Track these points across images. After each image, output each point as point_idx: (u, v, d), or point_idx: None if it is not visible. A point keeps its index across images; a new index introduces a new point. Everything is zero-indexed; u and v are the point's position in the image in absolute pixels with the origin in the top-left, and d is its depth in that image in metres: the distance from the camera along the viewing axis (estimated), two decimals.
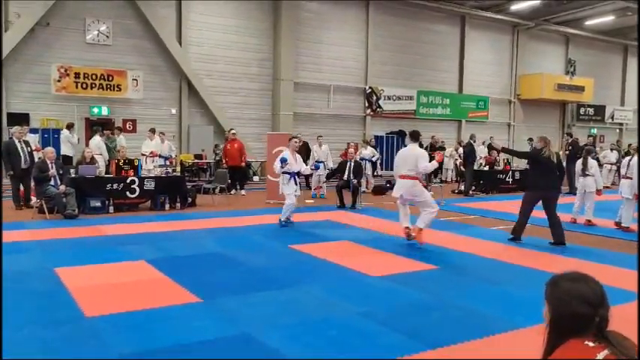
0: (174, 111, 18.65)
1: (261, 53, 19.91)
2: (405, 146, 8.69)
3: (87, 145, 14.31)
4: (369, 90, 22.20)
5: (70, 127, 14.67)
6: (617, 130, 31.42)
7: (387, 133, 22.81)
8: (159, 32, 17.70)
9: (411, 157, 7.72)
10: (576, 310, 1.79)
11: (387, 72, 22.70)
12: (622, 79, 31.42)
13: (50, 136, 15.33)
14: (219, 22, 18.98)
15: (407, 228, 7.90)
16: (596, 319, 1.77)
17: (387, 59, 22.66)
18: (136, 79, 17.44)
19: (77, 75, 16.55)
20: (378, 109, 22.52)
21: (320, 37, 20.96)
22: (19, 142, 11.20)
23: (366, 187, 15.21)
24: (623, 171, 10.03)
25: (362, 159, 14.72)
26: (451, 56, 24.60)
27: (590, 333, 1.77)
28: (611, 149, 20.38)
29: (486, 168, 17.23)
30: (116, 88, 17.16)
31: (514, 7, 23.58)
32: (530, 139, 16.89)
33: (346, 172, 12.44)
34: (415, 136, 8.04)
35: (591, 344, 1.74)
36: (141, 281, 5.81)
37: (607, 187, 10.34)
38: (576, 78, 27.54)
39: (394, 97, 22.85)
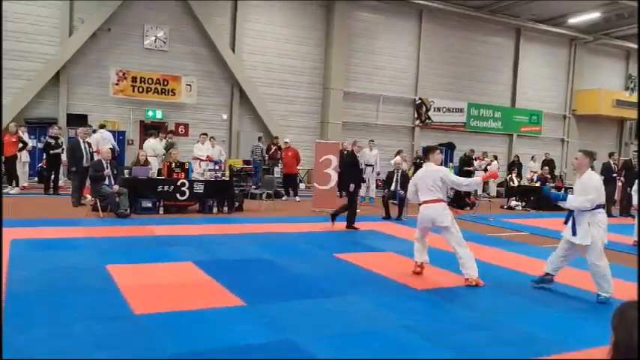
0: (225, 116, 19.01)
1: (313, 62, 20.07)
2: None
3: (140, 147, 14.74)
4: (419, 101, 22.01)
5: (102, 127, 15.09)
6: None
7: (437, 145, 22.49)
8: (213, 39, 18.12)
9: (429, 178, 6.45)
10: (638, 340, 1.67)
11: (438, 83, 22.45)
12: None
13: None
14: (273, 31, 19.26)
15: (421, 265, 6.79)
16: None
17: (438, 70, 22.41)
18: (189, 85, 17.89)
19: (134, 79, 17.12)
20: (427, 121, 22.28)
21: (371, 47, 20.96)
22: (83, 142, 11.80)
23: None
24: None
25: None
26: (504, 69, 24.11)
27: None
28: None
29: (538, 184, 16.75)
30: (170, 93, 17.64)
31: (572, 21, 22.91)
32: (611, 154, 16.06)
33: (393, 183, 12.34)
34: (428, 154, 6.79)
35: None
36: (187, 282, 5.92)
37: None
38: (636, 95, 26.47)
39: (444, 109, 22.57)
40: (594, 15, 21.89)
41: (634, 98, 26.26)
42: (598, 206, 5.74)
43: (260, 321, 4.71)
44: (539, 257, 8.33)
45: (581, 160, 5.92)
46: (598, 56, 26.42)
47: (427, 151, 6.88)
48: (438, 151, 6.77)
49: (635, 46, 26.01)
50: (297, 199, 14.68)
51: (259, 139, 17.97)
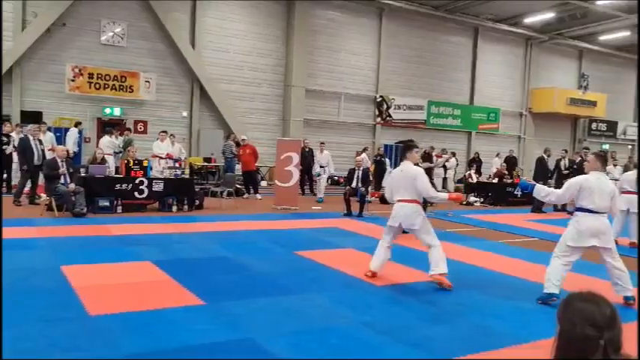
0: (185, 114, 18.77)
1: (274, 59, 20.02)
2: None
3: (97, 145, 14.44)
4: (380, 98, 22.22)
5: (77, 125, 14.85)
6: (629, 147, 31.19)
7: (396, 142, 22.78)
8: (173, 35, 17.86)
9: (404, 179, 6.24)
10: (582, 332, 1.74)
11: (399, 81, 22.72)
12: (636, 95, 31.23)
13: (62, 135, 15.45)
14: (233, 27, 19.12)
15: (373, 273, 6.42)
16: (601, 343, 1.72)
17: (399, 68, 22.68)
18: (148, 81, 17.59)
19: (91, 75, 16.72)
20: (388, 118, 22.52)
21: (332, 45, 21.04)
22: (34, 139, 11.42)
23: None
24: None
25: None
26: (463, 67, 24.58)
27: (596, 357, 1.72)
28: (614, 165, 20.22)
29: (495, 180, 17.16)
30: (129, 89, 17.31)
31: (528, 21, 23.55)
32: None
33: (354, 180, 12.44)
34: (405, 152, 6.47)
35: None
36: (145, 282, 5.83)
37: None
38: (589, 93, 27.41)
39: (404, 107, 22.85)
40: (549, 15, 22.56)
41: (587, 96, 27.18)
42: (578, 209, 5.68)
43: (219, 320, 4.68)
44: (496, 252, 8.56)
45: (592, 163, 5.85)
46: (552, 55, 27.21)
47: (404, 150, 6.53)
48: (416, 149, 6.55)
49: (588, 45, 26.93)
50: (259, 196, 14.62)
51: (228, 136, 17.87)
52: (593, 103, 27.44)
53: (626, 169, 10.27)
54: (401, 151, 6.57)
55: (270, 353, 3.99)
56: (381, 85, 22.23)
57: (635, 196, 9.52)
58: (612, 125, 30.07)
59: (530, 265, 7.66)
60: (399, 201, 6.27)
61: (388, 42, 22.15)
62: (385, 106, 22.38)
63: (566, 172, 15.15)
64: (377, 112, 22.33)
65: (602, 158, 5.95)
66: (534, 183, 6.13)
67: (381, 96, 22.22)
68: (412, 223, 6.19)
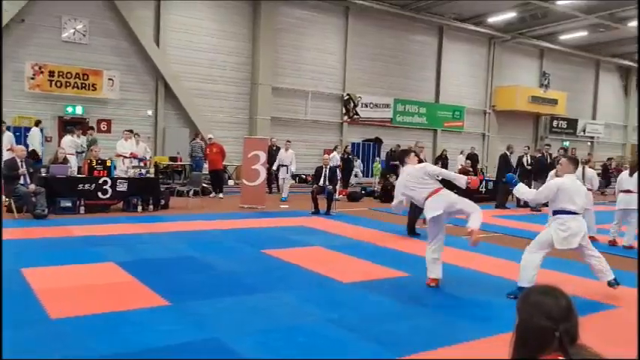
0: (150, 112, 18.49)
1: (240, 57, 19.89)
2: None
3: (59, 144, 14.11)
4: (347, 97, 22.32)
5: (37, 124, 14.47)
6: (589, 144, 32.13)
7: (363, 140, 22.96)
8: (136, 33, 17.57)
9: (414, 177, 6.18)
10: (538, 323, 1.79)
11: (365, 79, 22.86)
12: (594, 93, 32.20)
13: (22, 134, 15.06)
14: (198, 25, 18.91)
15: (435, 280, 6.19)
16: (556, 334, 1.76)
17: (365, 67, 22.83)
18: (111, 79, 17.26)
19: (52, 73, 16.30)
20: (355, 116, 22.64)
21: (299, 43, 21.03)
22: None
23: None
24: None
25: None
26: (428, 66, 24.90)
27: (552, 348, 1.76)
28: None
29: None
30: (91, 88, 16.95)
31: (491, 20, 24.01)
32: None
33: (321, 179, 12.46)
34: (404, 158, 6.52)
35: None
36: (109, 283, 5.73)
37: None
38: (550, 91, 28.12)
39: (371, 105, 23.01)
40: (511, 15, 23.05)
41: (548, 95, 27.88)
42: (558, 211, 5.79)
43: (185, 320, 4.64)
44: (460, 248, 8.68)
45: (565, 166, 6.01)
46: (515, 55, 27.81)
47: (403, 156, 6.55)
48: (413, 153, 6.58)
49: (549, 45, 27.61)
50: (221, 195, 14.46)
51: (196, 135, 17.68)
52: (554, 101, 28.17)
53: (585, 164, 10.55)
54: (399, 158, 6.48)
55: (237, 353, 3.98)
56: (348, 84, 22.33)
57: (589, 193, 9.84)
58: (572, 123, 30.91)
59: (493, 259, 7.83)
60: (427, 199, 6.10)
61: (354, 40, 22.26)
62: (352, 105, 22.49)
63: (528, 167, 15.52)
64: (344, 111, 22.42)
65: (574, 161, 6.18)
66: (517, 180, 6.21)
67: (348, 94, 22.32)
68: (455, 202, 6.15)
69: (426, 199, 6.08)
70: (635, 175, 9.49)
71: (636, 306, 5.06)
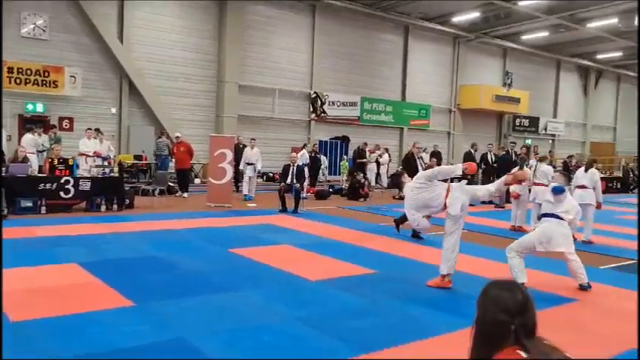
0: (114, 110, 18.13)
1: (206, 54, 19.69)
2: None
3: (19, 143, 13.72)
4: (314, 95, 22.35)
5: None
6: (550, 141, 32.96)
7: (330, 138, 23.03)
8: (99, 29, 17.20)
9: (421, 187, 6.21)
10: (494, 317, 1.81)
11: (332, 78, 22.92)
12: (555, 92, 33.04)
13: None
14: (163, 21, 18.63)
15: (448, 276, 6.17)
16: (512, 328, 1.78)
17: (333, 65, 22.89)
18: (74, 76, 16.85)
19: (10, 70, 15.82)
20: (323, 115, 22.69)
21: (266, 41, 20.94)
22: None
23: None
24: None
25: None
26: (395, 65, 25.12)
27: (509, 342, 1.78)
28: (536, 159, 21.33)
29: None
30: (52, 85, 16.51)
31: (455, 20, 24.36)
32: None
33: (289, 177, 12.46)
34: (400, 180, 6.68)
35: (524, 354, 1.74)
36: (72, 285, 5.62)
37: None
38: (513, 90, 28.72)
39: (338, 103, 23.09)
40: (475, 15, 23.42)
41: (511, 93, 28.47)
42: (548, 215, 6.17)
43: (149, 320, 4.59)
44: (426, 244, 8.83)
45: (558, 179, 6.73)
46: (479, 54, 28.31)
47: (398, 182, 6.72)
48: (404, 174, 6.83)
49: (512, 44, 28.19)
50: (185, 195, 14.25)
51: (162, 133, 17.42)
52: (517, 100, 28.77)
53: (541, 160, 10.86)
54: (396, 184, 6.57)
55: (203, 353, 3.96)
56: (315, 82, 22.35)
57: (541, 188, 10.13)
58: (534, 121, 31.65)
59: (459, 255, 7.95)
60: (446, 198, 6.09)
61: (322, 39, 22.29)
62: (319, 103, 22.53)
63: (494, 165, 15.88)
64: (311, 109, 22.44)
65: (567, 175, 7.10)
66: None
67: (315, 92, 22.35)
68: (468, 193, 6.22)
69: (446, 198, 6.04)
70: (591, 170, 9.87)
71: (637, 307, 5.17)
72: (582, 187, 9.73)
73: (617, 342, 4.54)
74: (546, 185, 10.12)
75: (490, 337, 1.83)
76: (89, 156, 13.32)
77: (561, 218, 6.06)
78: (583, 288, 6.11)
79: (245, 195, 14.46)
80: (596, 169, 10.74)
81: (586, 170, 9.90)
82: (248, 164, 14.52)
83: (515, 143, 18.18)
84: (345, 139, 23.19)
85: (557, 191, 6.16)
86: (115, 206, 11.17)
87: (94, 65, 17.52)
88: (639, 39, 22.15)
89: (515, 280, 5.79)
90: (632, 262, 7.99)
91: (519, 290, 1.89)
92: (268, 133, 21.03)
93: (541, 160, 10.80)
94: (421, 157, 16.15)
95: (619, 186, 22.08)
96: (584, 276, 6.11)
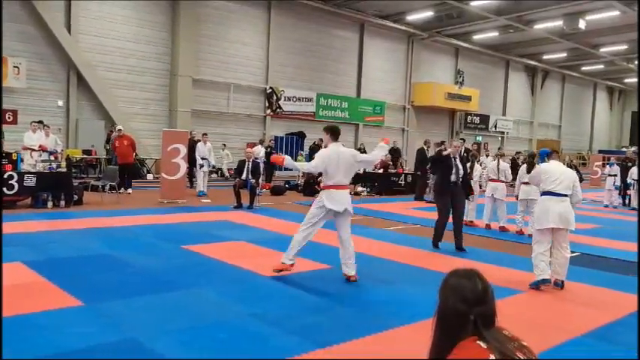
0: (60, 103, 17.50)
1: (159, 47, 19.25)
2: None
3: None
4: (270, 90, 22.20)
5: None
6: (499, 138, 33.90)
7: (286, 134, 22.94)
8: (45, 18, 16.54)
9: (345, 158, 6.11)
10: (454, 306, 1.80)
11: (288, 73, 22.84)
12: (504, 91, 33.99)
13: None
14: (113, 12, 18.10)
15: (291, 265, 6.19)
16: (470, 317, 1.78)
17: (288, 60, 22.79)
18: (17, 67, 16.16)
19: None
20: (279, 110, 22.58)
21: (221, 35, 20.65)
22: None
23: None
24: (493, 175, 10.71)
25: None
26: (350, 61, 25.25)
27: (468, 331, 1.77)
28: (487, 155, 21.83)
29: (381, 170, 17.83)
30: None
31: (410, 18, 24.70)
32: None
33: (244, 172, 12.32)
34: (336, 134, 6.28)
35: (483, 345, 1.73)
36: (15, 285, 5.36)
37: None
38: (464, 88, 29.37)
39: (294, 99, 23.03)
40: (428, 14, 23.81)
41: (463, 91, 29.10)
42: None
43: (100, 321, 4.43)
44: (381, 239, 8.90)
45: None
46: (432, 52, 28.80)
47: (332, 133, 6.25)
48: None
49: (463, 44, 28.79)
50: (130, 191, 13.74)
51: (115, 128, 16.87)
52: (468, 98, 29.46)
53: (501, 157, 11.14)
54: (332, 133, 6.25)
55: (156, 352, 3.85)
56: (270, 77, 22.21)
57: (498, 184, 10.40)
58: (485, 119, 32.49)
59: (412, 250, 8.07)
60: (340, 187, 6.12)
61: (277, 34, 22.16)
62: (275, 98, 22.41)
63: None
64: (267, 104, 22.29)
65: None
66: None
67: (271, 87, 22.21)
68: (351, 207, 6.18)
69: (339, 187, 6.13)
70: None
71: (637, 307, 5.27)
72: (527, 183, 10.01)
73: (564, 331, 4.69)
74: (503, 181, 10.43)
75: (450, 327, 1.82)
76: (34, 150, 12.77)
77: (563, 195, 6.03)
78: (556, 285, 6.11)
79: (200, 191, 14.24)
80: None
81: (528, 171, 10.13)
82: (203, 159, 14.33)
83: (464, 140, 18.51)
84: (302, 135, 23.16)
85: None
86: (63, 202, 10.75)
87: (39, 56, 16.86)
88: (639, 39, 22.76)
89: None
90: (576, 254, 8.29)
91: (479, 279, 1.87)
92: (223, 128, 20.77)
93: (500, 156, 11.03)
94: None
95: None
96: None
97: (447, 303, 1.84)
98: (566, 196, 6.03)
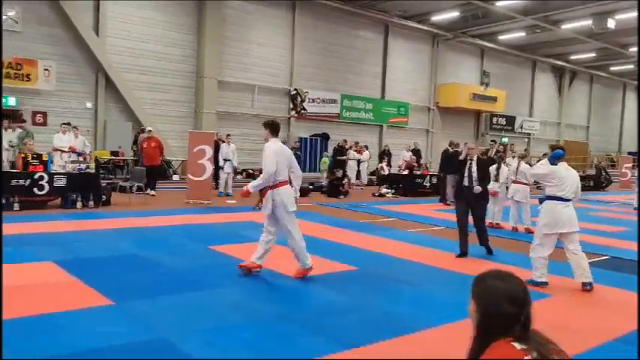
0: (89, 105, 17.81)
1: (185, 49, 19.46)
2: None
3: None
4: (294, 92, 22.27)
5: None
6: (526, 140, 33.43)
7: (310, 135, 22.98)
8: (74, 21, 16.87)
9: (288, 154, 6.26)
10: (503, 309, 1.78)
11: (312, 74, 22.87)
12: (530, 91, 33.52)
13: None
14: (141, 15, 18.36)
15: (258, 265, 6.21)
16: (521, 319, 1.78)
17: (313, 62, 22.83)
18: (47, 69, 16.51)
19: None
20: (303, 111, 22.63)
21: (245, 36, 20.79)
22: None
23: None
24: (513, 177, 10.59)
25: None
26: (375, 62, 25.17)
27: (515, 333, 1.76)
28: (513, 157, 21.54)
29: (405, 172, 17.75)
30: (25, 78, 16.15)
31: (434, 18, 24.51)
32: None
33: None
34: (276, 129, 6.25)
35: (518, 346, 1.72)
36: (47, 283, 5.49)
37: None
38: (490, 89, 29.04)
39: (318, 100, 23.06)
40: (453, 14, 23.59)
41: (488, 92, 28.77)
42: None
43: (129, 320, 4.51)
44: (406, 241, 8.86)
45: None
46: (457, 53, 28.54)
47: (272, 128, 6.22)
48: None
49: (489, 44, 28.47)
50: (153, 192, 13.72)
51: (142, 130, 17.09)
52: (494, 99, 29.11)
53: (522, 158, 11.00)
54: (272, 128, 6.19)
55: (183, 352, 3.89)
56: (295, 78, 22.27)
57: (519, 186, 10.26)
58: (511, 120, 32.06)
59: (436, 252, 8.01)
60: (282, 183, 6.12)
61: (302, 35, 22.21)
62: (299, 99, 22.46)
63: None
64: (291, 105, 22.36)
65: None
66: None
67: (295, 89, 22.27)
68: (292, 203, 6.23)
69: (281, 183, 6.09)
70: None
71: (637, 307, 5.20)
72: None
73: (593, 336, 4.60)
74: (524, 183, 10.31)
75: (495, 329, 1.79)
76: (64, 151, 13.05)
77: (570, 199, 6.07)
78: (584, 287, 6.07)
79: (220, 192, 14.34)
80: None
81: None
82: (225, 160, 14.44)
83: (495, 142, 18.26)
84: (325, 136, 23.18)
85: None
86: (92, 203, 10.95)
87: (68, 58, 17.19)
88: (639, 40, 22.39)
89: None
90: (605, 257, 8.13)
91: (518, 280, 1.87)
92: (247, 129, 20.89)
93: (521, 157, 10.91)
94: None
95: (592, 184, 22.48)
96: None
97: (493, 306, 1.80)
98: (571, 199, 6.13)
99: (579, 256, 6.09)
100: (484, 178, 7.87)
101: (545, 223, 6.08)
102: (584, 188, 21.22)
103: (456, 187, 8.17)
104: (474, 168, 7.72)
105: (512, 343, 1.74)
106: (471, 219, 7.86)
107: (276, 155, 5.97)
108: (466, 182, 7.79)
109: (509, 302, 1.79)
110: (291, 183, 6.26)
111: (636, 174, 17.41)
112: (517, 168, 10.41)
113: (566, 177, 6.09)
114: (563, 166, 6.19)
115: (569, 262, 6.16)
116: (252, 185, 6.06)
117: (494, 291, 1.83)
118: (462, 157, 7.90)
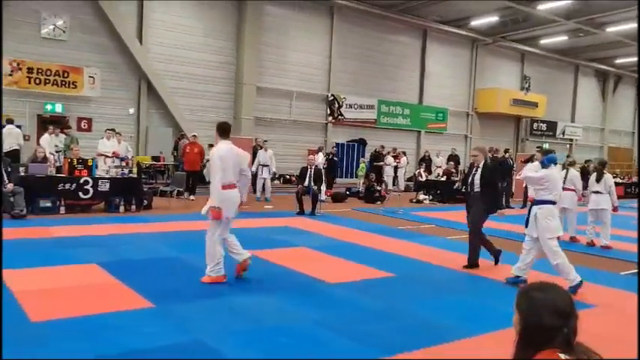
0: (132, 111, 18.28)
1: (224, 56, 19.77)
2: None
3: (37, 143, 13.84)
4: (332, 97, 22.33)
5: (10, 121, 14.00)
6: (568, 146, 32.59)
7: (347, 141, 23.00)
8: (118, 29, 17.36)
9: (237, 157, 6.08)
10: (546, 320, 1.76)
11: (350, 80, 22.90)
12: (573, 96, 32.67)
13: None
14: (182, 23, 18.76)
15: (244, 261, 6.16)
16: (564, 330, 1.76)
17: (350, 67, 22.86)
18: (92, 77, 17.03)
19: (30, 70, 16.04)
20: (340, 117, 22.66)
21: (284, 43, 20.98)
22: None
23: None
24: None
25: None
26: (412, 67, 25.02)
27: (559, 344, 1.74)
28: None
29: (444, 178, 17.55)
30: (71, 85, 16.71)
31: (473, 23, 24.21)
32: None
33: (306, 179, 12.44)
34: (226, 131, 6.20)
35: (563, 356, 1.71)
36: (91, 285, 5.65)
37: None
38: (530, 94, 28.46)
39: (356, 106, 23.05)
40: (493, 19, 23.26)
41: (529, 97, 28.21)
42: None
43: (169, 322, 4.59)
44: (444, 248, 8.75)
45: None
46: (497, 57, 28.09)
47: (221, 130, 6.21)
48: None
49: (529, 48, 27.92)
50: (192, 197, 13.95)
51: (182, 135, 17.42)
52: (535, 104, 28.51)
53: (571, 165, 10.68)
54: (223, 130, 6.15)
55: (221, 354, 3.95)
56: (332, 84, 22.34)
57: (567, 193, 9.96)
58: (552, 125, 31.33)
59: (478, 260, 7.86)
60: (231, 186, 6.05)
61: (339, 41, 22.28)
62: (337, 105, 22.51)
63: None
64: (329, 111, 22.43)
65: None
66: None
67: (332, 95, 22.34)
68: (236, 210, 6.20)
69: (229, 186, 6.01)
70: (605, 176, 9.69)
71: (637, 307, 5.11)
72: (597, 192, 9.65)
73: (632, 348, 4.44)
74: (573, 190, 9.94)
75: (538, 341, 1.78)
76: (108, 156, 13.41)
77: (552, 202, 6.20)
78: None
79: (257, 197, 14.49)
80: (613, 174, 10.60)
81: (598, 180, 9.69)
82: (262, 166, 14.57)
83: (541, 148, 17.79)
84: (363, 142, 23.15)
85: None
86: (134, 207, 11.23)
87: (112, 66, 17.69)
88: (639, 40, 21.85)
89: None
90: None
91: (563, 291, 1.85)
92: (285, 135, 21.05)
93: (570, 165, 10.60)
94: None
95: (637, 191, 21.74)
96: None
97: (536, 317, 1.79)
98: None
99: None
100: (490, 183, 7.35)
101: (558, 226, 6.24)
102: (629, 195, 20.73)
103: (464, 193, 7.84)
104: (478, 175, 7.26)
105: (559, 353, 1.73)
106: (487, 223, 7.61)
107: (220, 161, 5.85)
108: (467, 188, 7.50)
109: (552, 314, 1.77)
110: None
111: None
112: (566, 175, 10.11)
113: (557, 180, 6.33)
114: (555, 170, 6.41)
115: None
116: (212, 203, 5.92)
117: (536, 303, 1.81)
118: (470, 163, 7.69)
